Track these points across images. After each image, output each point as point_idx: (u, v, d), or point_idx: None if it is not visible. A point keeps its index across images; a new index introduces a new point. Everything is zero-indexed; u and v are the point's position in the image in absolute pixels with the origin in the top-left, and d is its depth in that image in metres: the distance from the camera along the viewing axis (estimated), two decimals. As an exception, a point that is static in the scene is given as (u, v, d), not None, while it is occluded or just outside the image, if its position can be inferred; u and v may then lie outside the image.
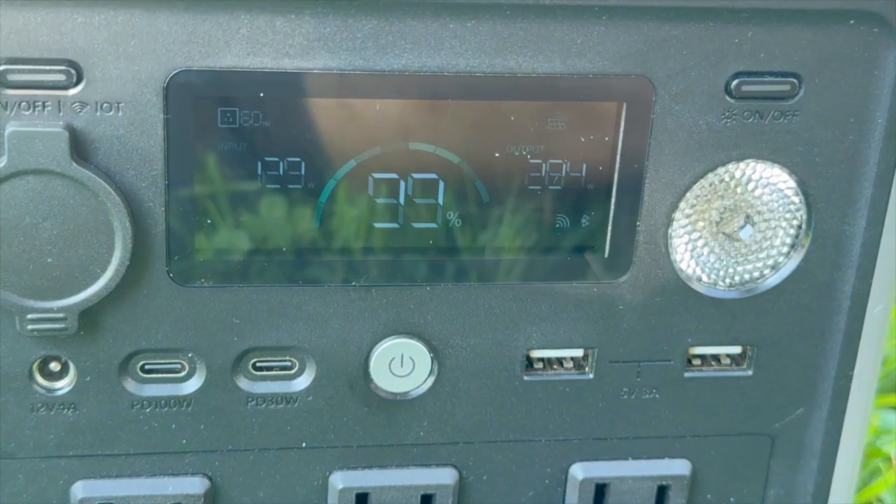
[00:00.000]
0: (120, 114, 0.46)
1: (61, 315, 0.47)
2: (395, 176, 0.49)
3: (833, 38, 0.49)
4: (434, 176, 0.49)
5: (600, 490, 0.56)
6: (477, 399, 0.54)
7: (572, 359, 0.54)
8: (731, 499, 0.58)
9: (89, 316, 0.48)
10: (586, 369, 0.54)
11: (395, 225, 0.50)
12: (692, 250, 0.52)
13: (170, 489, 0.52)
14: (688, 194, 0.51)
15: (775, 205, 0.52)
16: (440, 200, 0.50)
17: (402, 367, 0.52)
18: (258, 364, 0.52)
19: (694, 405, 0.56)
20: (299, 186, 0.48)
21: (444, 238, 0.50)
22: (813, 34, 0.49)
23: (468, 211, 0.50)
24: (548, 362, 0.54)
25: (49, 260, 0.47)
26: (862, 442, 0.59)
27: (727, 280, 0.53)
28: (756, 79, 0.49)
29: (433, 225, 0.50)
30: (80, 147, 0.46)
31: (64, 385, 0.50)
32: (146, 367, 0.51)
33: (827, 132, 0.50)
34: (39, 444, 0.51)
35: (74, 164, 0.45)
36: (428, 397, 0.53)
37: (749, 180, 0.51)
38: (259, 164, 0.48)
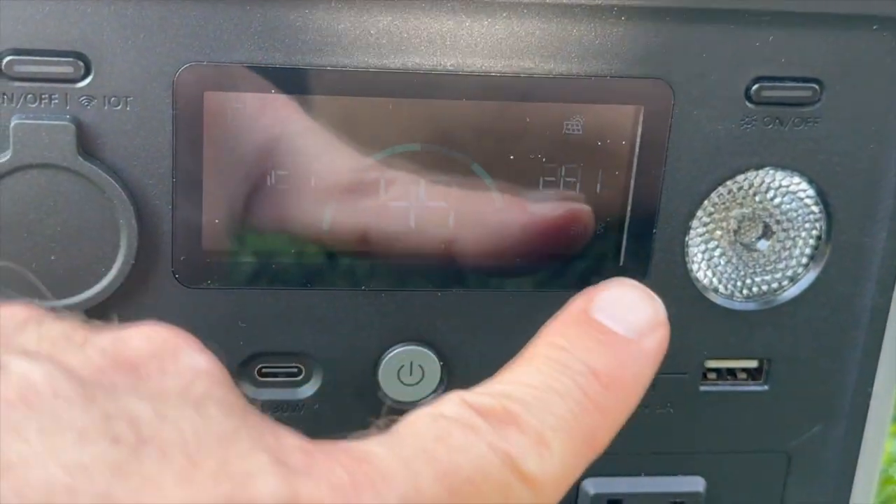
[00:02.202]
0: (128, 108, 0.45)
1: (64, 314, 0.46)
2: (407, 177, 0.48)
3: (856, 44, 0.48)
4: (447, 178, 0.48)
5: (612, 506, 0.55)
6: (487, 410, 0.52)
7: (585, 370, 0.53)
8: (746, 518, 0.57)
9: (92, 316, 0.47)
10: (599, 381, 0.53)
11: (406, 228, 0.49)
12: (709, 260, 0.51)
13: (171, 498, 0.51)
14: (705, 202, 0.50)
15: (794, 214, 0.51)
16: (453, 204, 0.49)
17: (410, 375, 0.51)
18: (264, 370, 0.50)
19: (709, 420, 0.54)
20: (309, 186, 0.47)
21: (456, 243, 0.49)
22: (835, 39, 0.48)
23: (481, 215, 0.49)
24: (560, 373, 0.53)
25: (52, 257, 0.46)
26: (880, 462, 0.58)
27: (744, 291, 0.52)
28: (777, 84, 0.48)
29: (445, 229, 0.49)
30: (86, 141, 0.45)
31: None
32: (149, 370, 0.49)
33: (848, 140, 0.49)
34: (38, 449, 0.50)
35: (81, 158, 0.44)
36: (437, 407, 0.52)
37: (768, 188, 0.50)
38: (269, 162, 0.47)
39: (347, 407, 0.51)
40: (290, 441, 0.32)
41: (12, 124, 0.44)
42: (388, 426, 0.36)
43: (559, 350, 0.41)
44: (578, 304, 0.44)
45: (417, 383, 0.51)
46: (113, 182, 0.45)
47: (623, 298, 0.44)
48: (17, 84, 0.44)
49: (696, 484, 0.55)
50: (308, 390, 0.51)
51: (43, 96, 0.44)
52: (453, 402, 0.38)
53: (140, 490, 0.27)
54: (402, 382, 0.51)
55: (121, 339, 0.32)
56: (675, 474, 0.55)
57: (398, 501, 0.32)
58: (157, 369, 0.31)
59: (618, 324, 0.43)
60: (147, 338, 0.32)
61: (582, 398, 0.40)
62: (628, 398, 0.42)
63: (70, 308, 0.46)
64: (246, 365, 0.50)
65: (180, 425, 0.29)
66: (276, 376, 0.50)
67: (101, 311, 0.47)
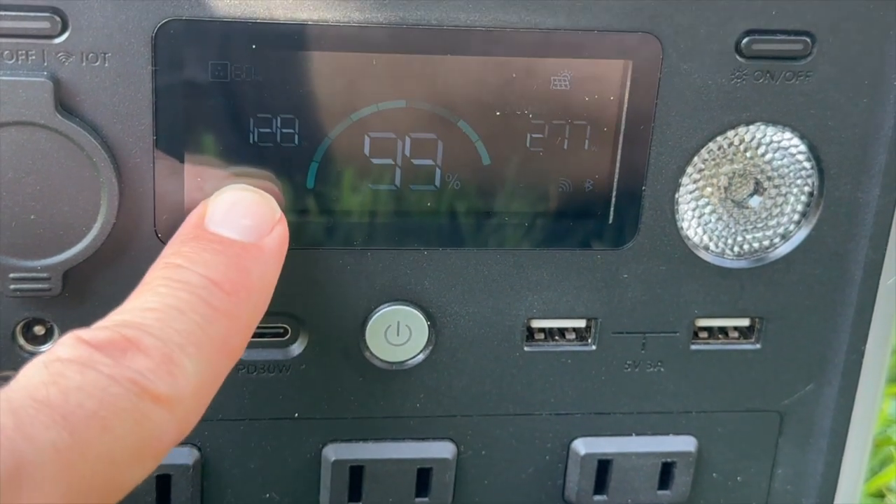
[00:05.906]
0: (106, 65, 0.44)
1: (45, 275, 0.46)
2: (392, 135, 0.47)
3: (848, -4, 0.47)
4: (433, 136, 0.48)
5: (603, 466, 0.54)
6: (475, 370, 0.52)
7: (574, 329, 0.52)
8: (738, 477, 0.56)
9: (74, 276, 0.47)
10: (589, 340, 0.52)
11: (391, 186, 0.48)
12: (699, 217, 0.51)
13: (157, 459, 0.51)
14: (695, 158, 0.49)
15: (786, 170, 0.50)
16: (439, 162, 0.48)
17: (398, 335, 0.50)
18: (249, 330, 0.50)
19: (700, 379, 0.54)
20: (293, 145, 0.47)
21: (442, 201, 0.49)
22: (827, -9, 0.47)
23: (468, 173, 0.48)
24: (549, 333, 0.52)
25: (32, 217, 0.45)
26: (873, 421, 0.57)
27: (735, 249, 0.51)
28: (767, 37, 0.47)
29: (431, 187, 0.48)
30: (64, 98, 0.44)
31: (48, 349, 0.49)
32: (133, 331, 0.49)
33: (840, 94, 0.49)
34: (23, 411, 0.49)
35: (59, 115, 0.44)
36: (425, 367, 0.51)
37: (759, 144, 0.50)
38: (251, 120, 0.46)
39: (334, 367, 0.51)
40: None
41: None
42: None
43: (176, 269, 0.41)
44: (192, 220, 0.44)
45: (405, 343, 0.51)
46: (92, 140, 0.44)
47: (236, 206, 0.44)
48: None
49: (687, 443, 0.55)
50: (295, 350, 0.50)
51: (20, 52, 0.43)
52: (67, 343, 0.37)
53: None
54: (389, 342, 0.50)
55: None
56: (666, 434, 0.55)
57: (8, 456, 0.32)
58: None
59: (233, 231, 0.43)
60: None
61: (206, 310, 0.40)
62: (257, 300, 0.43)
63: (50, 268, 0.46)
64: (231, 325, 0.49)
65: None
66: (263, 336, 0.50)
67: (82, 272, 0.46)
